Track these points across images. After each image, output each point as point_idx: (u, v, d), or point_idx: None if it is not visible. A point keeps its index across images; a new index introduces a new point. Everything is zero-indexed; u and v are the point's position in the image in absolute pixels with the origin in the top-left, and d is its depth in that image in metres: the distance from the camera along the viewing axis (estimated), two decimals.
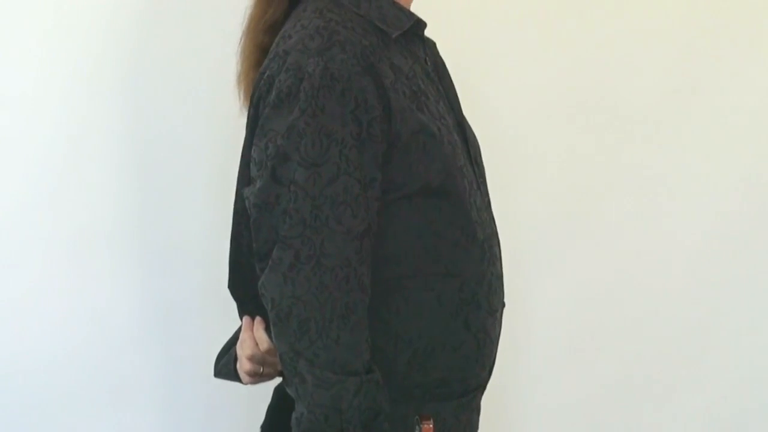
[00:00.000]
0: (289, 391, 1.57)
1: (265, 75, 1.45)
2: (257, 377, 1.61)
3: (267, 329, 1.57)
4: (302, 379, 1.40)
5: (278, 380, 1.64)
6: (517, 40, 2.32)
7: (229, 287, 1.61)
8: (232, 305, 1.62)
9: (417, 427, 1.49)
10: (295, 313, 1.39)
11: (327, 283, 1.38)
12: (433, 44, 1.66)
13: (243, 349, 1.59)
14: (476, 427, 1.61)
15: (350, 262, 1.40)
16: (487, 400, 1.62)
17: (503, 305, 1.62)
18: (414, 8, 1.59)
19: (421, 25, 1.57)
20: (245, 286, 1.57)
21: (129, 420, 2.21)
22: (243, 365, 1.60)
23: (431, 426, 1.49)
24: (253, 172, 1.46)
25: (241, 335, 1.61)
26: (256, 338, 1.58)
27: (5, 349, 2.15)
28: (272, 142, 1.41)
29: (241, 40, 1.61)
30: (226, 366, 1.66)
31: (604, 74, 2.37)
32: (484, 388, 1.61)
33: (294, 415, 1.42)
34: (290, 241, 1.39)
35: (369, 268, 1.42)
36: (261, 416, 1.65)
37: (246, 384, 1.64)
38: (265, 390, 1.66)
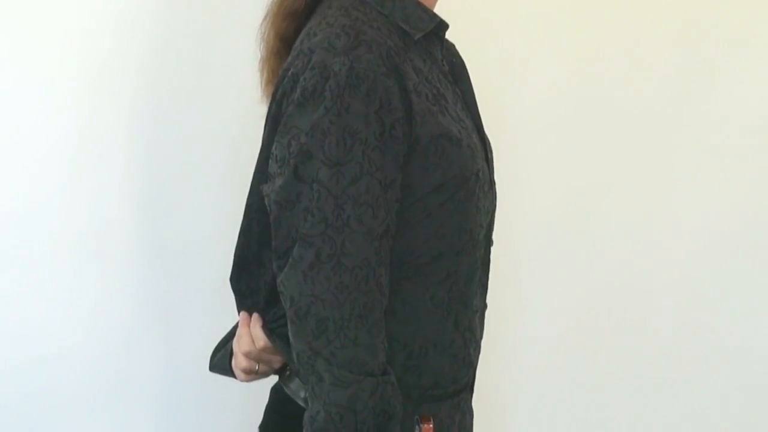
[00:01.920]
0: (287, 391, 1.57)
1: (290, 72, 1.44)
2: (252, 374, 1.60)
3: (264, 327, 1.56)
4: (319, 378, 1.39)
5: (274, 379, 1.63)
6: (516, 41, 2.34)
7: (231, 280, 1.59)
8: (233, 304, 1.61)
9: (417, 426, 1.49)
10: (313, 312, 1.38)
11: (347, 282, 1.38)
12: (452, 45, 1.66)
13: (239, 346, 1.58)
14: (470, 429, 1.63)
15: (370, 263, 1.39)
16: (483, 402, 1.63)
17: (485, 306, 1.64)
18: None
19: (443, 26, 1.57)
20: (248, 280, 1.57)
21: (127, 419, 2.18)
22: (239, 362, 1.59)
23: (431, 426, 1.49)
24: (272, 169, 1.44)
25: (238, 331, 1.60)
26: (252, 335, 1.57)
27: (4, 347, 2.11)
28: (295, 140, 1.40)
29: (261, 25, 1.60)
30: (221, 361, 1.64)
31: (604, 75, 2.39)
32: (471, 389, 1.62)
33: (308, 414, 1.41)
34: (311, 240, 1.38)
35: (387, 269, 1.43)
36: (259, 416, 1.64)
37: (241, 381, 1.62)
38: (264, 390, 1.65)
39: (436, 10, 1.58)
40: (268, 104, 1.54)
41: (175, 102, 2.13)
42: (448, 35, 1.63)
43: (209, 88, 2.11)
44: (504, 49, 2.32)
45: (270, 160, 1.45)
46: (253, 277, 1.56)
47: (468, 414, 1.62)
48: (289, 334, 1.42)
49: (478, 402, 1.64)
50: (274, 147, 1.44)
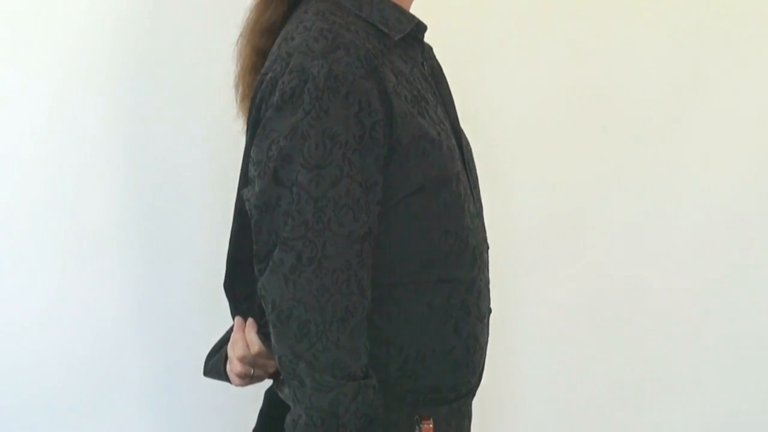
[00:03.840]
0: (281, 395, 1.57)
1: (268, 76, 1.44)
2: (247, 379, 1.60)
3: (259, 332, 1.56)
4: (301, 382, 1.39)
5: (268, 383, 1.64)
6: (515, 40, 2.33)
7: (224, 286, 1.60)
8: (227, 307, 1.61)
9: (417, 426, 1.49)
10: (295, 315, 1.38)
11: (328, 285, 1.38)
12: (430, 48, 1.66)
13: (234, 351, 1.58)
14: None
15: (351, 265, 1.39)
16: (480, 405, 1.62)
17: (490, 311, 1.63)
18: (412, 10, 1.59)
19: (421, 28, 1.57)
20: (242, 285, 1.57)
21: (120, 422, 2.20)
22: (234, 366, 1.59)
23: (431, 426, 1.49)
24: (251, 172, 1.45)
25: (233, 336, 1.60)
26: (247, 340, 1.57)
27: (3, 349, 2.13)
28: (275, 144, 1.40)
29: (237, 42, 1.60)
30: (215, 366, 1.64)
31: (602, 75, 2.38)
32: (474, 393, 1.61)
33: (290, 417, 1.42)
34: (292, 243, 1.39)
35: (369, 271, 1.42)
36: (253, 419, 1.65)
37: (235, 385, 1.63)
38: (258, 394, 1.66)
39: (421, 13, 1.57)
40: (243, 120, 1.56)
41: (170, 104, 2.15)
42: (439, 34, 1.63)
43: (204, 90, 2.12)
44: (500, 49, 2.31)
45: (249, 164, 1.46)
46: (247, 282, 1.56)
47: (467, 418, 1.61)
48: (272, 338, 1.43)
49: (474, 402, 1.63)
50: (252, 150, 1.45)
